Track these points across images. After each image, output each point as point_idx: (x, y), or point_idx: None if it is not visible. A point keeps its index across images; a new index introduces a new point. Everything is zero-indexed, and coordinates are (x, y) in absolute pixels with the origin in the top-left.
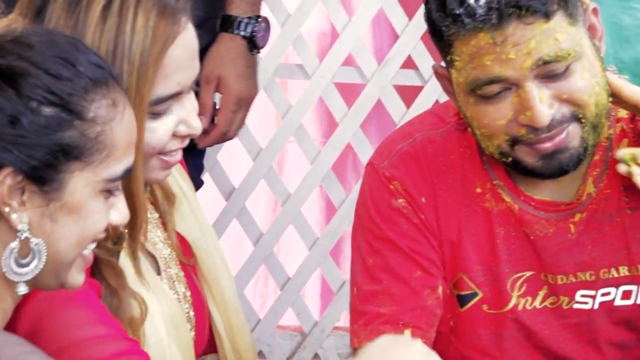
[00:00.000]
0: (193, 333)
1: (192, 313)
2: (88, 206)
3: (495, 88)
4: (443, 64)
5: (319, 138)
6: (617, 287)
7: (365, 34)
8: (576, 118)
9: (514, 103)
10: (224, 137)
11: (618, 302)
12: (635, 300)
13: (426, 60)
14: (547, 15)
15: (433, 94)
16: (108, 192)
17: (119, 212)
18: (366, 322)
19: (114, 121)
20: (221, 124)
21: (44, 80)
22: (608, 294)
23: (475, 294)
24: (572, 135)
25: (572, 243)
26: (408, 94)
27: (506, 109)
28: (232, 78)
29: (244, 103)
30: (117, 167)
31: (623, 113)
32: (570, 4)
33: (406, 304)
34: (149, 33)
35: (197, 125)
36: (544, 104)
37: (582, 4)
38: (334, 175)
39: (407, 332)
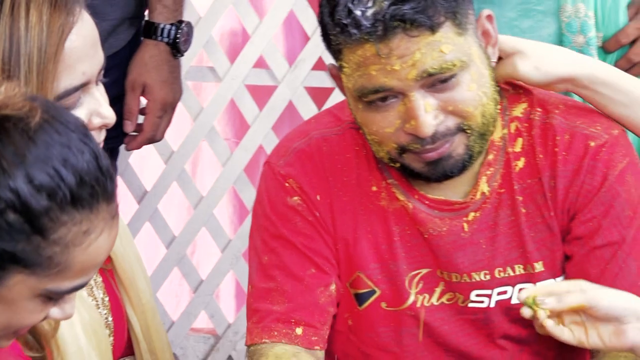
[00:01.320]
0: (112, 338)
1: (110, 318)
2: (21, 304)
3: (381, 96)
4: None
5: (232, 138)
6: (513, 285)
7: (277, 35)
8: (461, 129)
9: (401, 112)
10: (151, 141)
11: (514, 300)
12: None
13: None
14: (433, 28)
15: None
16: (48, 298)
17: (62, 311)
18: (259, 320)
19: (78, 247)
20: (147, 129)
21: (21, 187)
22: (504, 292)
23: (373, 292)
24: (457, 144)
25: (465, 242)
26: (319, 95)
27: (393, 117)
28: (156, 84)
29: (169, 107)
30: (65, 284)
31: (518, 112)
32: (459, 14)
33: (299, 301)
34: (44, 27)
35: (109, 114)
36: (428, 114)
37: (473, 11)
38: (246, 177)
39: (299, 329)
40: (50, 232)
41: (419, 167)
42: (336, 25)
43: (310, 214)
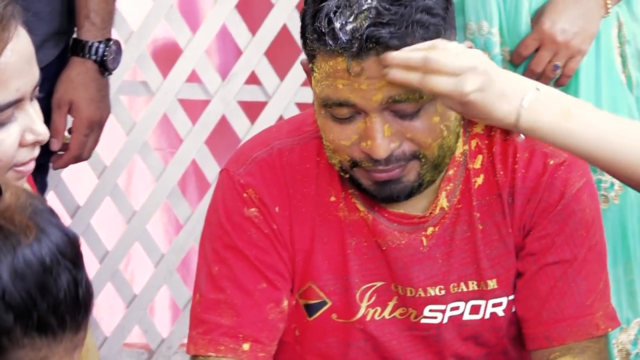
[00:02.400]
0: None
1: None
2: None
3: (344, 111)
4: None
5: (167, 149)
6: (466, 301)
7: (209, 50)
8: (416, 157)
9: (360, 129)
10: (77, 160)
11: (467, 316)
12: (484, 315)
13: (270, 76)
14: None
15: (277, 109)
16: None
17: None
18: (206, 331)
19: None
20: (74, 148)
21: None
22: (457, 308)
23: (324, 303)
24: (409, 170)
25: (423, 256)
26: (252, 109)
27: (351, 131)
28: (84, 102)
29: (96, 126)
30: None
31: (479, 129)
32: None
33: (248, 316)
34: None
35: (43, 131)
36: (386, 138)
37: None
38: (180, 192)
39: (246, 345)
40: (6, 352)
41: (367, 184)
42: (315, 31)
43: (267, 226)
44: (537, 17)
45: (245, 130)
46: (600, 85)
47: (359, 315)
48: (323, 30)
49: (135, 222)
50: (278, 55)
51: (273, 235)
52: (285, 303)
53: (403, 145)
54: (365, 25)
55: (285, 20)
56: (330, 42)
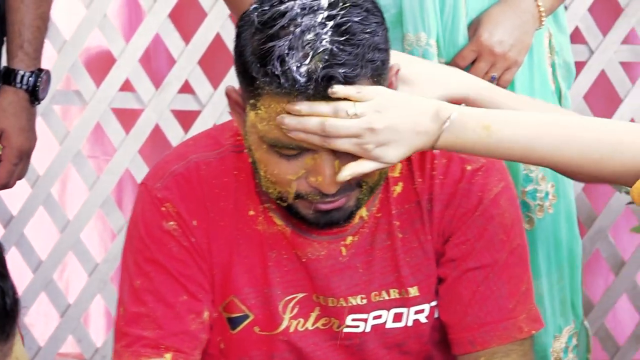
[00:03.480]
0: None
1: None
2: None
3: (293, 150)
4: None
5: (101, 156)
6: (388, 309)
7: (143, 58)
8: (359, 185)
9: (308, 164)
10: (3, 187)
11: (390, 324)
12: (406, 323)
13: (203, 85)
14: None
15: (210, 118)
16: None
17: None
18: (128, 344)
19: None
20: (2, 176)
21: None
22: (379, 316)
23: (246, 316)
24: (351, 198)
25: (343, 266)
26: (186, 118)
27: (299, 167)
28: (14, 131)
29: (25, 155)
30: None
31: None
32: (382, 78)
33: (169, 328)
34: None
35: None
36: (336, 174)
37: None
38: (113, 201)
39: (168, 355)
40: None
41: (308, 214)
42: (265, 72)
43: (185, 239)
44: (473, 28)
45: (178, 139)
46: (534, 95)
47: (282, 327)
48: (276, 72)
49: (69, 231)
50: (211, 64)
51: (192, 248)
52: (207, 314)
53: (351, 178)
54: (320, 67)
55: (218, 29)
56: (286, 84)
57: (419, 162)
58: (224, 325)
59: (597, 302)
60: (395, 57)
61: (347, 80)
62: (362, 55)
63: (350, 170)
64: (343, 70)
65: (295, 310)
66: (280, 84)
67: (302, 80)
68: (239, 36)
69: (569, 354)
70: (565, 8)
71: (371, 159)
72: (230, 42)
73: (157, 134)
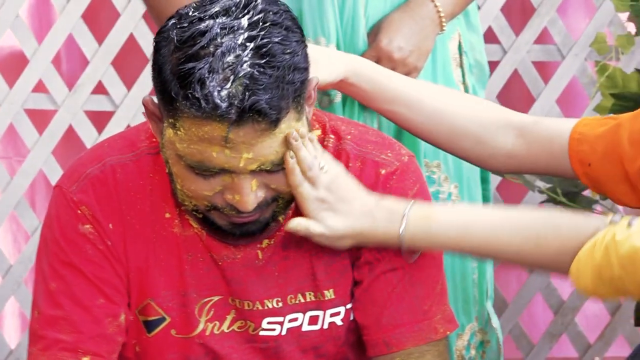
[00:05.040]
0: None
1: None
2: None
3: (213, 172)
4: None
5: (14, 157)
6: (304, 312)
7: (56, 59)
8: (275, 200)
9: (225, 182)
10: None
11: (305, 327)
12: (322, 325)
13: (117, 86)
14: (279, 121)
15: (124, 119)
16: None
17: None
18: (45, 347)
19: None
20: None
21: None
22: (295, 319)
23: (163, 319)
24: (267, 212)
25: (259, 269)
26: (100, 119)
27: (216, 184)
28: None
29: None
30: None
31: (312, 137)
32: (302, 98)
33: (86, 331)
34: None
35: None
36: (253, 193)
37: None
38: (27, 202)
39: (86, 359)
40: None
41: (223, 224)
42: (185, 95)
43: (101, 242)
44: (373, 34)
45: (92, 140)
46: None
47: (198, 330)
48: (196, 95)
49: None
50: (125, 64)
51: (108, 251)
52: (123, 317)
53: (266, 194)
54: (241, 91)
55: (131, 30)
56: (207, 108)
57: None
58: (140, 328)
59: (511, 301)
60: None
61: (272, 111)
62: (282, 77)
63: (298, 226)
64: (265, 97)
65: (211, 314)
66: (200, 107)
67: (224, 105)
68: (157, 51)
69: (472, 350)
70: (479, 8)
71: (316, 219)
72: (144, 42)
73: (70, 135)
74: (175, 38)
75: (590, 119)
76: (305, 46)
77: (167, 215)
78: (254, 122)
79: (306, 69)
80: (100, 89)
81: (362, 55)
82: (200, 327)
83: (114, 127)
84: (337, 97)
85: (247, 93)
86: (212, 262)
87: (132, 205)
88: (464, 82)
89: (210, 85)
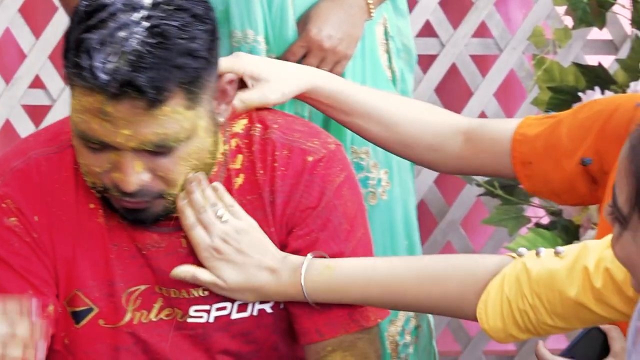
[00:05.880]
0: None
1: None
2: None
3: (97, 145)
4: None
5: None
6: (232, 301)
7: None
8: (162, 196)
9: (111, 159)
10: None
11: (234, 315)
12: (251, 312)
13: (54, 80)
14: (162, 102)
15: (62, 113)
16: None
17: None
18: None
19: None
20: None
21: None
22: (224, 308)
23: (90, 310)
24: (156, 205)
25: (184, 257)
26: (37, 113)
27: (104, 161)
28: None
29: None
30: None
31: (238, 128)
32: (195, 87)
33: None
34: None
35: None
36: (136, 174)
37: (215, 78)
38: None
39: None
40: None
41: (117, 206)
42: (75, 63)
43: (27, 235)
44: (302, 23)
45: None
46: (366, 84)
47: (126, 319)
48: (83, 65)
49: None
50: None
51: (34, 243)
52: (52, 308)
53: (151, 184)
54: (124, 68)
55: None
56: (90, 79)
57: (260, 153)
58: (68, 320)
59: None
60: (246, 59)
61: (151, 90)
62: (170, 59)
63: (186, 273)
64: (146, 76)
65: (138, 302)
66: (84, 77)
67: (104, 78)
68: (70, 23)
69: (406, 336)
70: (416, 1)
71: (209, 268)
72: None
73: (7, 129)
74: (80, 10)
75: (532, 118)
76: (214, 39)
77: (92, 205)
78: (133, 99)
79: (206, 59)
80: (37, 83)
81: (292, 45)
82: (128, 316)
83: (51, 121)
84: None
85: (129, 69)
86: (137, 251)
87: (57, 197)
88: (390, 67)
89: (96, 57)
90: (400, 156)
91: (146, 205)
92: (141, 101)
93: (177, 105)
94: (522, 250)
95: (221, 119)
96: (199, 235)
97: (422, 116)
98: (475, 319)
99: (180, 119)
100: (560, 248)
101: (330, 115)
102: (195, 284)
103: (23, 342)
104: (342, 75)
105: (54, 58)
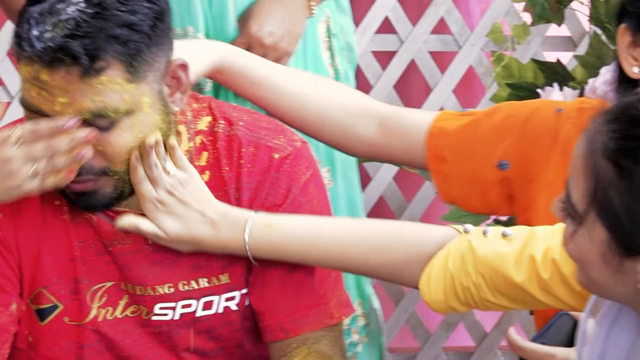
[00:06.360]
0: None
1: None
2: None
3: (38, 115)
4: None
5: None
6: (198, 299)
7: None
8: (105, 174)
9: None
10: None
11: (200, 313)
12: (216, 310)
13: (13, 76)
14: (98, 71)
15: (21, 109)
16: None
17: None
18: None
19: None
20: None
21: None
22: (189, 305)
23: (55, 307)
24: (103, 184)
25: (150, 254)
26: None
27: None
28: None
29: None
30: None
31: (202, 125)
32: (137, 62)
33: None
34: None
35: None
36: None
37: (167, 57)
38: None
39: None
40: None
41: (68, 192)
42: (17, 34)
43: None
44: (243, 20)
45: None
46: None
47: (91, 316)
48: (22, 35)
49: None
50: None
51: None
52: (14, 306)
53: (93, 160)
54: (59, 36)
55: None
56: (27, 49)
57: (225, 150)
58: (33, 317)
59: (407, 290)
60: None
61: (84, 57)
62: (107, 29)
63: (128, 222)
64: (80, 43)
65: (104, 299)
66: (22, 47)
67: (39, 46)
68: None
69: (353, 335)
70: None
71: (152, 219)
72: None
73: None
74: None
75: (449, 113)
76: (159, 17)
77: (57, 202)
78: (68, 66)
79: (146, 34)
80: None
81: (233, 42)
82: (93, 313)
83: (10, 118)
84: (207, 86)
85: (64, 37)
86: (103, 248)
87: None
88: (333, 64)
89: (34, 27)
90: (314, 137)
91: (93, 186)
92: (75, 68)
93: (115, 76)
94: (469, 226)
95: (176, 108)
96: (146, 189)
97: (335, 95)
98: (416, 287)
99: (120, 90)
100: (507, 230)
101: (243, 91)
102: (159, 282)
103: None
104: None
105: (12, 55)
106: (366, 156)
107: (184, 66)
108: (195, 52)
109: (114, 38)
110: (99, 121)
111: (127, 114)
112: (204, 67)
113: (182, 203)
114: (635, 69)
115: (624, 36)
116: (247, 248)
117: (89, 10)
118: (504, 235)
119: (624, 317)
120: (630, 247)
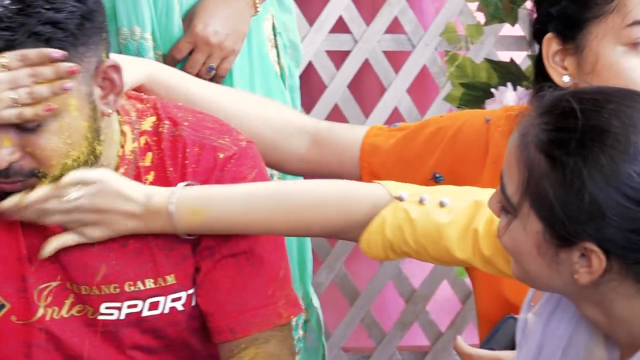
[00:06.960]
0: None
1: None
2: None
3: None
4: None
5: None
6: (144, 300)
7: None
8: (34, 175)
9: None
10: None
11: (146, 313)
12: (163, 310)
13: None
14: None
15: None
16: None
17: None
18: None
19: None
20: None
21: None
22: (135, 306)
23: (2, 306)
24: (32, 185)
25: (95, 255)
26: None
27: None
28: None
29: None
30: None
31: (147, 126)
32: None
33: None
34: None
35: None
36: (5, 149)
37: (97, 58)
38: None
39: None
40: None
41: (1, 192)
42: None
43: None
44: (188, 20)
45: None
46: (254, 80)
47: (38, 315)
48: None
49: None
50: None
51: None
52: None
53: (22, 161)
54: None
55: None
56: None
57: (170, 150)
58: None
59: (362, 290)
60: None
61: (6, 48)
62: (30, 25)
63: (52, 246)
64: (2, 38)
65: (50, 299)
66: None
67: None
68: None
69: (299, 331)
70: None
71: (76, 233)
72: None
73: None
74: None
75: (378, 128)
76: (90, 20)
77: None
78: None
79: (71, 33)
80: None
81: (178, 42)
82: (40, 312)
83: None
84: None
85: None
86: None
87: None
88: (279, 63)
89: None
90: None
91: (22, 186)
92: None
93: None
94: (403, 193)
95: (109, 110)
96: (56, 220)
97: (264, 112)
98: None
99: None
100: (444, 199)
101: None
102: (105, 282)
103: None
104: (230, 71)
105: None
106: (300, 173)
107: (116, 67)
108: (129, 67)
109: (36, 35)
110: (22, 124)
111: (53, 115)
112: (130, 82)
113: (99, 212)
114: (566, 78)
115: (549, 45)
116: (182, 234)
117: (13, 7)
118: (442, 205)
119: (563, 307)
120: (564, 237)
